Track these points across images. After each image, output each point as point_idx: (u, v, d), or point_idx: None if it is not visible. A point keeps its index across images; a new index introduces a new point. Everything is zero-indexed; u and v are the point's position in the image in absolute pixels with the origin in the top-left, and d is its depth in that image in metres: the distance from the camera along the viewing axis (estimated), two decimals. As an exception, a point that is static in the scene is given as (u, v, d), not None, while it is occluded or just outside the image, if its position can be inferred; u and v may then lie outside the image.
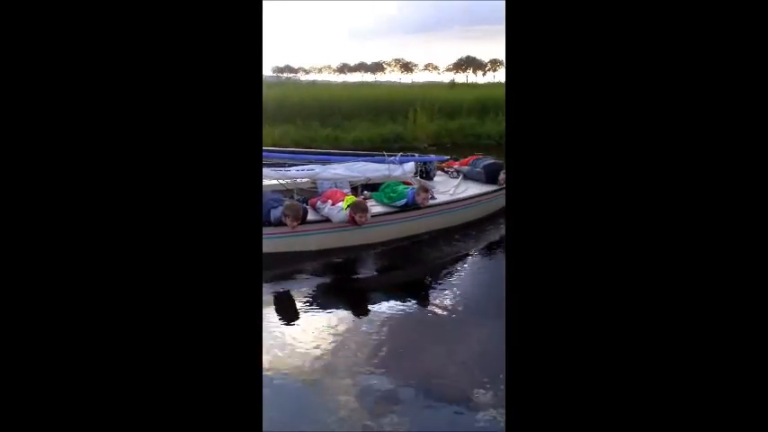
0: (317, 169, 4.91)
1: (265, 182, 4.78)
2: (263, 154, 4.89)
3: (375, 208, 4.56)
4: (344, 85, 22.36)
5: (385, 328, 3.11)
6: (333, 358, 2.79)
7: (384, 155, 5.18)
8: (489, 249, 4.65)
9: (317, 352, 2.84)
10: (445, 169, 5.85)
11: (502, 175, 5.29)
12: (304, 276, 3.95)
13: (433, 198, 4.72)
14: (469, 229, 4.97)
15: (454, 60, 75.17)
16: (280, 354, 2.82)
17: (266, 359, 2.71)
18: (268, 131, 9.85)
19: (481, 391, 2.48)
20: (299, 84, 20.69)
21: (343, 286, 3.93)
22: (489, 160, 5.68)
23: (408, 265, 4.31)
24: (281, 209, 4.05)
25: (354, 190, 4.99)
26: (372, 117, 11.82)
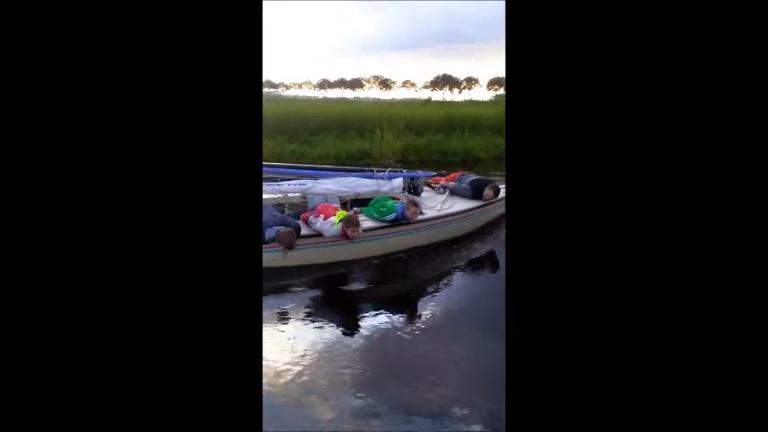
0: (308, 184, 5.01)
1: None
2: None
3: (365, 223, 4.65)
4: (315, 100, 22.33)
5: (378, 342, 3.20)
6: (315, 370, 2.84)
7: (373, 170, 5.31)
8: (477, 263, 4.79)
9: (296, 367, 2.87)
10: (432, 185, 5.99)
11: (487, 191, 5.46)
12: (299, 289, 4.01)
13: (421, 213, 4.84)
14: (457, 244, 5.10)
15: (431, 78, 76.19)
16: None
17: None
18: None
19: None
20: (273, 99, 20.62)
21: (337, 299, 4.00)
22: (474, 176, 5.85)
23: (401, 280, 4.41)
24: (276, 229, 4.09)
25: (344, 205, 5.08)
26: (340, 133, 11.83)
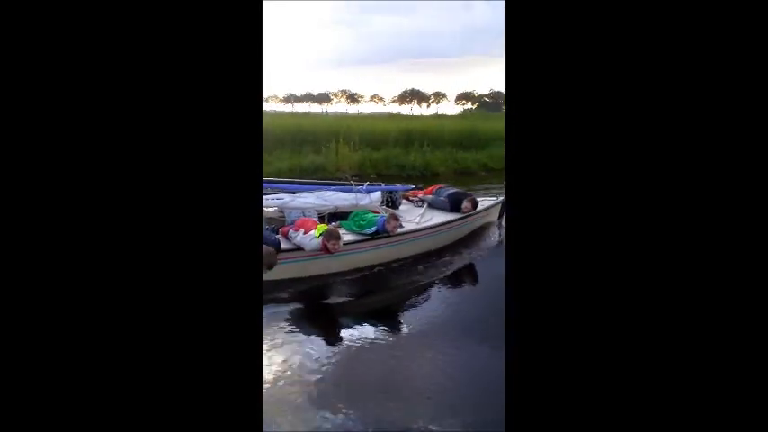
0: (287, 198, 4.96)
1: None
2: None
3: (345, 236, 4.62)
4: (273, 115, 22.20)
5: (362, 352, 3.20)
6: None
7: (352, 184, 5.30)
8: (457, 275, 4.82)
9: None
10: (410, 198, 6.02)
11: (465, 204, 5.52)
12: (280, 303, 3.96)
13: (401, 226, 4.85)
14: (436, 256, 5.13)
15: (399, 92, 77.20)
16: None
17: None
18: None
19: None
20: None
21: (318, 313, 3.97)
22: (452, 189, 5.91)
23: (382, 292, 4.39)
24: None
25: (321, 219, 5.05)
26: (296, 148, 11.61)
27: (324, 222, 4.83)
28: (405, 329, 3.62)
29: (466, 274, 4.88)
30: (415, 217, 5.34)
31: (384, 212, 5.03)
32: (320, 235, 4.27)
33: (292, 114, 22.73)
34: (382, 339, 3.42)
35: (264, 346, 3.21)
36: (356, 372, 2.98)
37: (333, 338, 3.45)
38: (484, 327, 3.45)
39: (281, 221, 4.98)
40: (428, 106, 73.03)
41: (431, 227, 5.19)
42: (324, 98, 79.26)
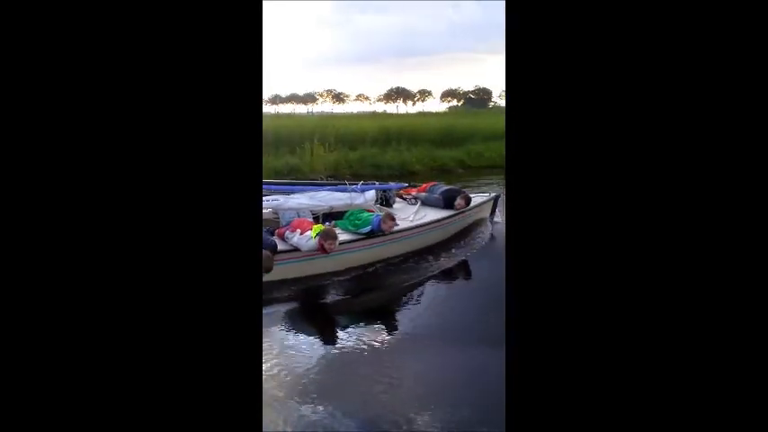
0: (281, 199, 4.97)
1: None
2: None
3: (341, 236, 4.65)
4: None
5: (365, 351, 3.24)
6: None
7: (346, 183, 5.33)
8: (451, 271, 4.89)
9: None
10: (403, 196, 6.07)
11: (459, 201, 5.59)
12: (278, 303, 3.99)
13: (396, 225, 4.89)
14: (430, 253, 5.18)
15: (385, 91, 77.13)
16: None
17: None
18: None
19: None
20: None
21: (316, 312, 4.01)
22: (446, 187, 5.98)
23: (379, 290, 4.44)
24: None
25: (316, 219, 5.07)
26: (271, 149, 11.27)
27: (318, 222, 4.85)
28: (402, 328, 3.67)
29: (460, 270, 4.96)
30: (409, 215, 5.39)
31: (379, 211, 5.07)
32: (317, 235, 4.30)
33: (273, 116, 22.47)
34: (380, 338, 3.47)
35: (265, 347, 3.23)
36: (352, 369, 3.03)
37: (332, 338, 3.49)
38: (483, 326, 3.50)
39: (275, 223, 4.99)
40: (413, 104, 73.06)
41: (425, 224, 5.24)
42: (309, 98, 78.89)
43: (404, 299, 4.19)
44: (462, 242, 5.55)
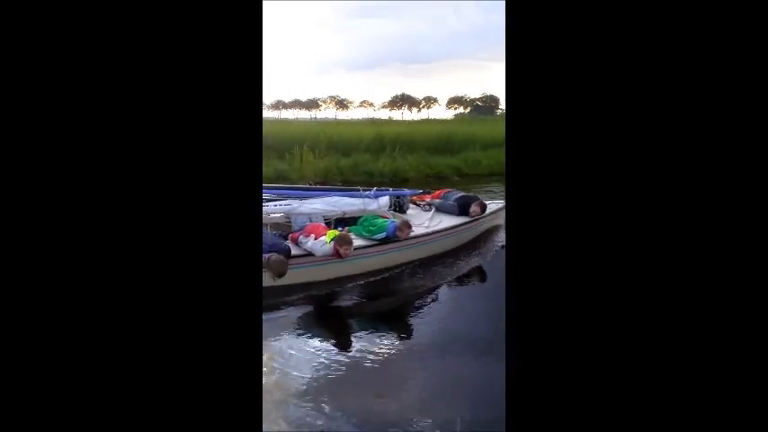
0: (294, 204, 4.93)
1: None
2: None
3: (355, 241, 4.60)
4: None
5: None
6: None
7: (359, 189, 5.28)
8: (466, 277, 4.84)
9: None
10: (417, 202, 6.01)
11: (474, 207, 5.54)
12: (291, 308, 3.96)
13: (412, 232, 4.84)
14: (445, 259, 5.13)
15: (389, 98, 77.36)
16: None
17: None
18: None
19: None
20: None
21: (330, 317, 3.99)
22: (460, 193, 5.92)
23: (393, 295, 4.40)
24: (266, 257, 3.92)
25: (328, 224, 5.02)
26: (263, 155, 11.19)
27: (331, 228, 4.80)
28: (420, 333, 3.63)
29: (475, 276, 4.92)
30: (424, 221, 5.33)
31: (393, 217, 5.02)
32: (332, 240, 4.25)
33: (270, 121, 22.50)
34: (395, 344, 3.44)
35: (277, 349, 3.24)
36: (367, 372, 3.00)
37: (340, 342, 3.47)
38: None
39: (287, 227, 4.95)
40: (419, 111, 73.23)
41: (440, 230, 5.18)
42: (312, 104, 79.21)
43: (418, 303, 4.16)
44: (477, 249, 5.48)
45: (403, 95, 75.96)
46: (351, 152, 12.21)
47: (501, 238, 5.92)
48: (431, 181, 10.82)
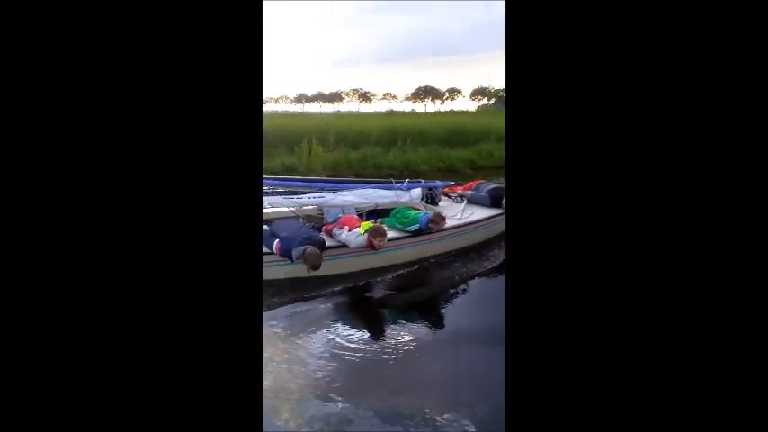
0: (328, 196, 4.97)
1: (277, 209, 4.82)
2: (275, 182, 4.94)
3: (388, 233, 4.63)
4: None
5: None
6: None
7: (392, 181, 5.30)
8: (499, 269, 4.83)
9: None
10: (449, 194, 6.00)
11: (506, 199, 5.49)
12: (326, 298, 4.04)
13: (445, 224, 4.84)
14: (477, 251, 5.15)
15: (413, 90, 76.90)
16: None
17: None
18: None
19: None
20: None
21: (366, 307, 4.04)
22: (493, 185, 5.89)
23: (427, 286, 4.45)
24: (302, 249, 3.99)
25: (359, 216, 5.06)
26: (269, 149, 10.80)
27: (363, 219, 4.84)
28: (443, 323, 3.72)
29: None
30: (456, 213, 5.33)
31: (425, 209, 5.03)
32: (366, 232, 4.29)
33: (282, 114, 22.34)
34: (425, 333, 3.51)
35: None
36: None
37: (373, 331, 3.54)
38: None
39: (319, 219, 5.01)
40: (442, 103, 72.64)
41: (472, 222, 5.17)
42: (336, 97, 79.27)
43: (452, 294, 4.21)
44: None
45: (426, 87, 75.44)
46: (361, 145, 12.11)
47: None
48: (442, 174, 10.63)
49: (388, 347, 3.23)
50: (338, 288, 4.16)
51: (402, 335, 3.41)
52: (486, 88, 72.32)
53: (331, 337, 3.36)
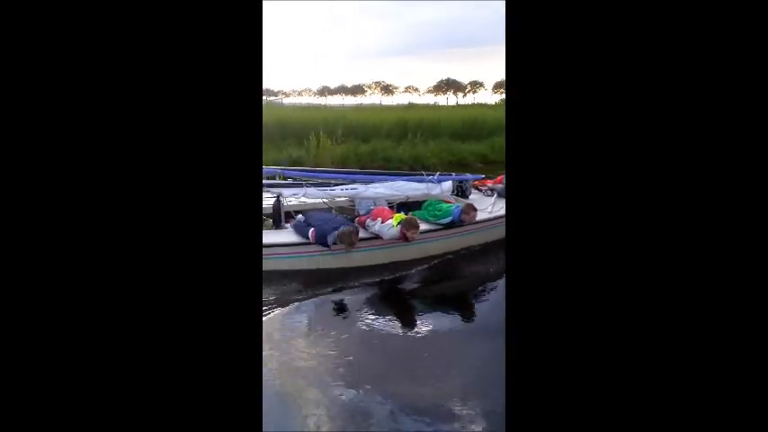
0: (360, 188, 5.03)
1: (311, 200, 4.91)
2: (310, 174, 5.04)
3: (420, 225, 4.67)
4: (275, 107, 21.22)
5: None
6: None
7: (423, 174, 5.33)
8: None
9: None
10: (479, 187, 6.01)
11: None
12: (360, 288, 4.12)
13: (477, 216, 4.86)
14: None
15: (434, 82, 76.28)
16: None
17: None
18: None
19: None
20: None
21: (400, 298, 4.10)
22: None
23: (460, 279, 4.51)
24: (335, 234, 4.15)
25: (390, 208, 5.11)
26: (278, 141, 10.85)
27: (394, 211, 4.89)
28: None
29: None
30: (487, 206, 5.33)
31: (456, 202, 5.05)
32: (398, 224, 4.33)
33: (298, 107, 22.24)
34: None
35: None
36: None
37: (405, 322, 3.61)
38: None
39: (351, 211, 5.08)
40: (464, 96, 71.92)
41: (503, 216, 5.17)
42: (358, 90, 79.09)
43: (486, 286, 4.27)
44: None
45: (448, 80, 74.75)
46: (371, 138, 12.00)
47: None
48: (453, 168, 10.42)
49: (425, 338, 3.29)
50: (371, 280, 4.23)
51: (440, 327, 3.47)
52: (508, 81, 70.93)
53: (367, 328, 3.43)
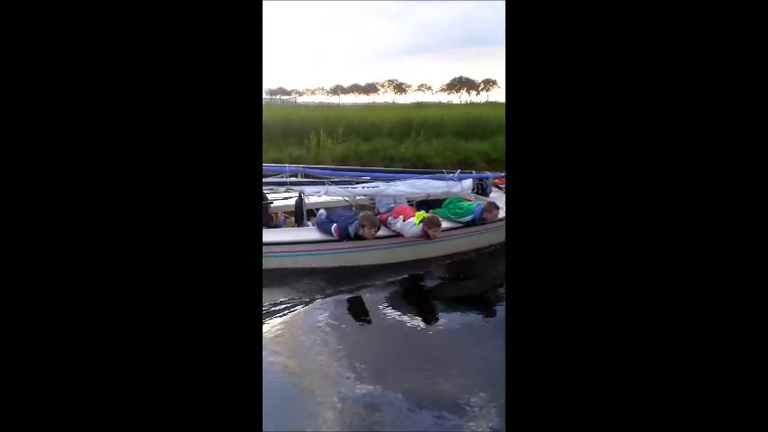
0: (381, 186, 5.05)
1: (332, 198, 4.95)
2: (332, 172, 5.07)
3: (442, 223, 4.68)
4: (275, 106, 21.24)
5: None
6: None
7: (443, 172, 5.33)
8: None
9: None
10: (499, 186, 5.99)
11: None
12: (384, 284, 4.15)
13: (499, 214, 4.85)
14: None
15: (448, 81, 76.10)
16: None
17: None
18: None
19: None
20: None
21: (423, 296, 4.13)
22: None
23: (481, 276, 4.54)
24: (356, 222, 4.20)
25: (411, 206, 5.12)
26: (279, 140, 10.79)
27: (414, 209, 4.90)
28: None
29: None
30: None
31: (476, 200, 5.04)
32: (420, 222, 4.35)
33: (305, 106, 22.20)
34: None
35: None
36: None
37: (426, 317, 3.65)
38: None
39: (371, 208, 5.11)
40: (477, 94, 71.61)
41: None
42: (371, 89, 79.18)
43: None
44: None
45: (461, 78, 74.51)
46: (373, 137, 11.93)
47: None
48: (455, 167, 10.53)
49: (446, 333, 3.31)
50: (393, 278, 4.25)
51: (462, 323, 3.51)
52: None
53: (391, 324, 3.45)
